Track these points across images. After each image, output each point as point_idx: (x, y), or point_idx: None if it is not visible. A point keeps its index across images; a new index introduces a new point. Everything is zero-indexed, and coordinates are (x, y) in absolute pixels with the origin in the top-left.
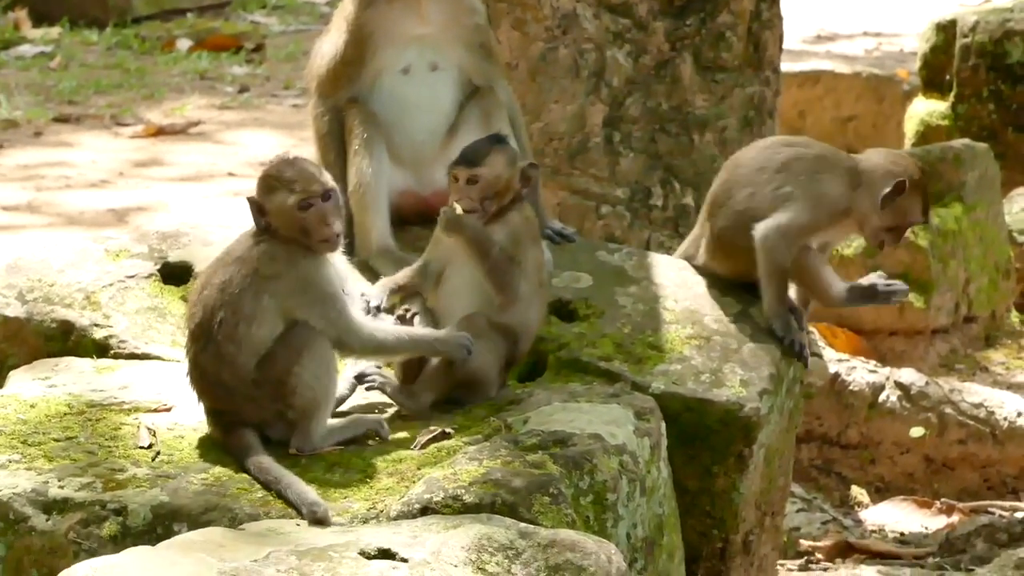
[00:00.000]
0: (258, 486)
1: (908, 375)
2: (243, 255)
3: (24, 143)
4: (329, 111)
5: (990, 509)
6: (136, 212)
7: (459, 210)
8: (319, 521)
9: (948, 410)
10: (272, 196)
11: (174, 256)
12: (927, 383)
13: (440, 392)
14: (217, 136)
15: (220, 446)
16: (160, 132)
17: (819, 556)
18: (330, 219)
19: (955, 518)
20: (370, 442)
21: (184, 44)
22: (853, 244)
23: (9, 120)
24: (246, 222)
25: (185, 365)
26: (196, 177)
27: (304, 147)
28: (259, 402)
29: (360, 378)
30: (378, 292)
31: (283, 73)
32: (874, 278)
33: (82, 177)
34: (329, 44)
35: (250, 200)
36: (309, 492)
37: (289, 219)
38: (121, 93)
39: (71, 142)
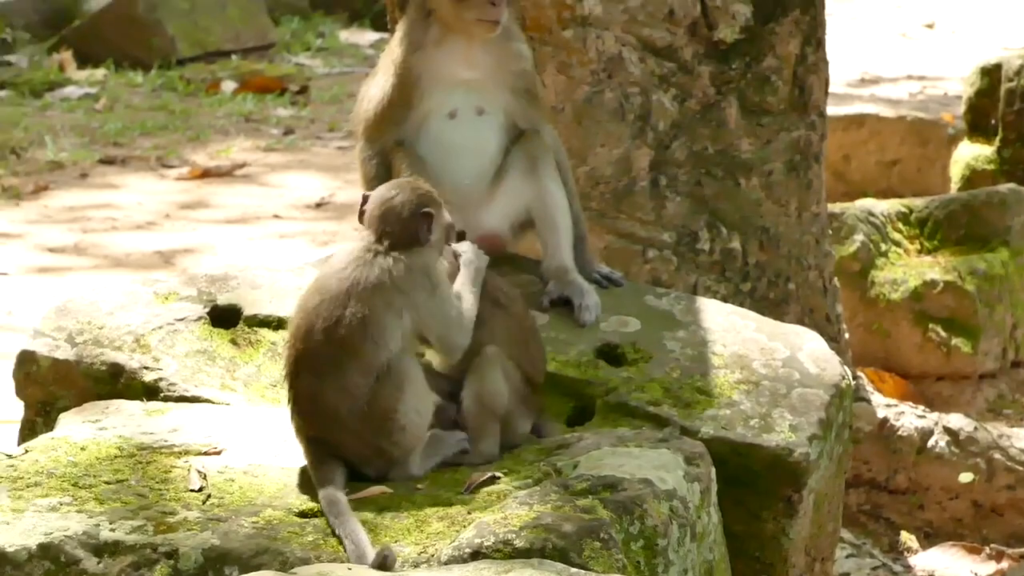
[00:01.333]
0: (309, 529)
1: (957, 420)
2: (364, 270)
3: (70, 184)
4: (376, 155)
5: None
6: (182, 254)
7: None
8: (385, 568)
9: (997, 455)
10: None
11: (223, 299)
12: (975, 428)
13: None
14: (262, 178)
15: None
16: (205, 174)
17: None
18: None
19: (1005, 564)
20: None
21: (229, 86)
22: (900, 289)
23: (55, 162)
24: (295, 263)
25: (287, 391)
26: (242, 219)
27: (349, 189)
28: (363, 437)
29: None
30: None
31: (327, 115)
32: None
33: (128, 219)
34: (376, 88)
35: None
36: (364, 544)
37: None
38: (166, 135)
39: (117, 184)
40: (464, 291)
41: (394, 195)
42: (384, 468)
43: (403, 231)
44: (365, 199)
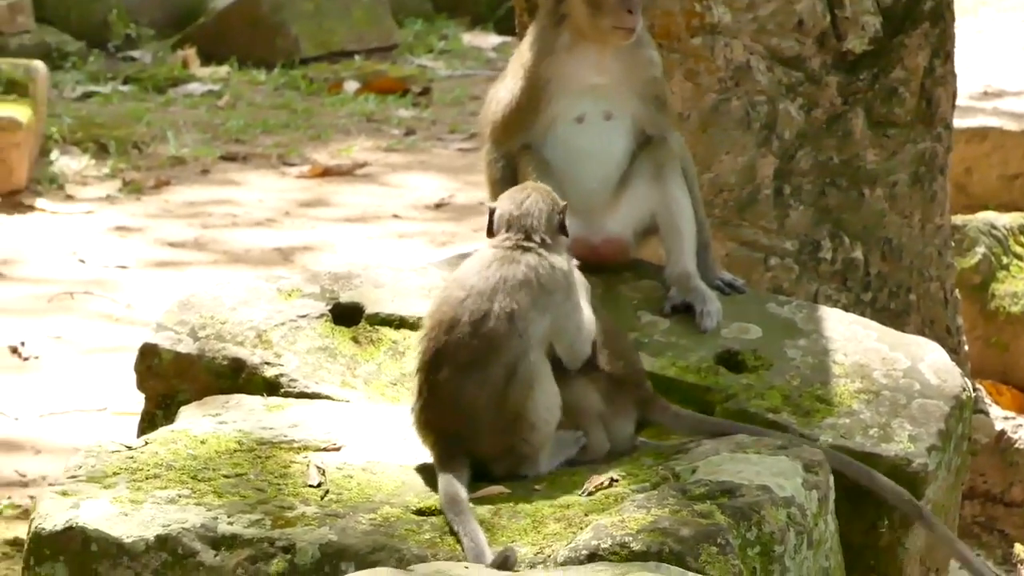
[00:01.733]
0: (427, 527)
1: None
2: (511, 267)
3: (191, 180)
4: (503, 157)
5: None
6: (301, 252)
7: None
8: (506, 567)
9: None
10: None
11: (345, 297)
12: None
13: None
14: (382, 178)
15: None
16: (326, 173)
17: None
18: (636, 4)
19: None
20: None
21: (351, 86)
22: (1020, 302)
23: (177, 157)
24: (416, 263)
25: (420, 383)
26: (361, 218)
27: (468, 191)
28: (497, 433)
29: None
30: None
31: (449, 117)
32: None
33: (248, 215)
34: (505, 91)
35: None
36: (482, 543)
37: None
38: (288, 133)
39: (238, 180)
40: (584, 303)
41: (528, 194)
42: (512, 467)
43: (547, 225)
44: (492, 211)
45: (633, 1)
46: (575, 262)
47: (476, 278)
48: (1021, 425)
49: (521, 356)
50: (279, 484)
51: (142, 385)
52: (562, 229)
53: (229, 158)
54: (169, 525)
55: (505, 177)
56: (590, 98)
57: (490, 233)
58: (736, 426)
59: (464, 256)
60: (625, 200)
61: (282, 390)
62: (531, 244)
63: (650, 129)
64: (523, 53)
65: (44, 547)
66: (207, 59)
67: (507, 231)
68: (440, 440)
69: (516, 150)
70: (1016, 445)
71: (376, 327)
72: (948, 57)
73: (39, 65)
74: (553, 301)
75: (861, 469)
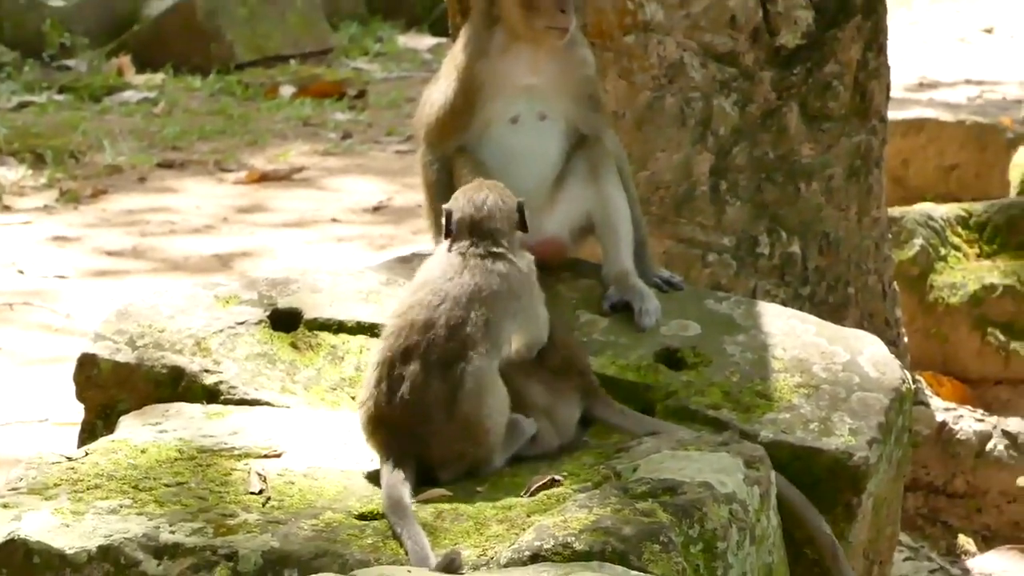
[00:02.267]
0: (369, 532)
1: (1016, 424)
2: (484, 277)
3: (128, 188)
4: (438, 160)
5: None
6: (241, 258)
7: None
8: (451, 570)
9: None
10: None
11: (283, 303)
12: None
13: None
14: (320, 182)
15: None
16: (263, 178)
17: None
18: (569, 4)
19: None
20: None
21: (287, 90)
22: (959, 293)
23: (113, 166)
24: (354, 267)
25: (380, 381)
26: (300, 223)
27: (406, 193)
28: (451, 440)
29: None
30: None
31: (385, 120)
32: None
33: (186, 223)
34: (438, 93)
35: None
36: (425, 547)
37: None
38: (225, 139)
39: (175, 188)
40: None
41: (485, 195)
42: (461, 471)
43: (509, 224)
44: (449, 213)
45: (566, 1)
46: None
47: (450, 285)
48: (962, 416)
49: (488, 362)
50: (220, 492)
51: (81, 395)
52: (522, 225)
53: (166, 165)
54: (111, 535)
55: (441, 179)
56: (524, 99)
57: (448, 235)
58: (678, 429)
59: (405, 260)
60: (561, 200)
61: (222, 397)
62: (500, 250)
63: (584, 129)
64: (456, 55)
65: None
66: (142, 67)
67: (471, 235)
68: (390, 439)
69: (451, 152)
70: (957, 436)
71: (315, 332)
72: (881, 50)
73: None
74: (522, 304)
75: (795, 495)
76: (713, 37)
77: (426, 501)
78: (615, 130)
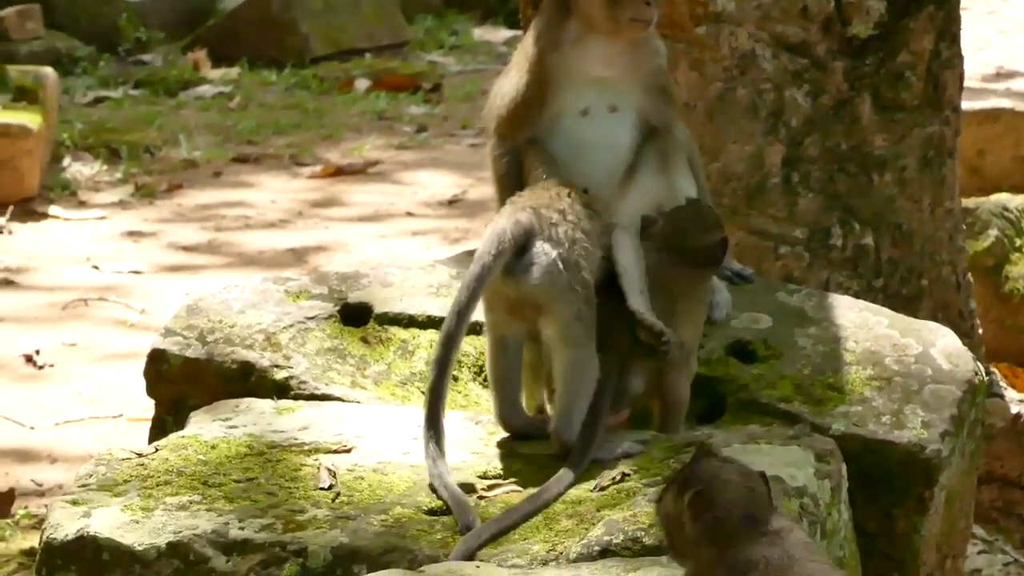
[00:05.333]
0: (438, 527)
1: None
2: None
3: (204, 183)
4: (508, 152)
5: None
6: (315, 252)
7: None
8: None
9: None
10: None
11: (354, 297)
12: None
13: None
14: (395, 176)
15: None
16: (338, 172)
17: None
18: None
19: None
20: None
21: (362, 84)
22: None
23: (189, 160)
24: (427, 260)
25: None
26: (374, 217)
27: (481, 187)
28: None
29: None
30: None
31: (460, 113)
32: None
33: (261, 217)
34: (509, 85)
35: None
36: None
37: None
38: (300, 133)
39: (250, 182)
40: None
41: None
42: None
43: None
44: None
45: None
46: None
47: None
48: None
49: None
50: (290, 488)
51: (152, 391)
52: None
53: (241, 160)
54: (180, 532)
55: (511, 172)
56: (595, 91)
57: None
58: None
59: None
60: (631, 192)
61: (292, 392)
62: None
63: (655, 120)
64: (527, 47)
65: (56, 557)
66: (217, 60)
67: None
68: None
69: (521, 144)
70: None
71: (385, 327)
72: (954, 39)
73: (48, 71)
74: None
75: None
76: (785, 27)
77: (495, 495)
78: (686, 122)
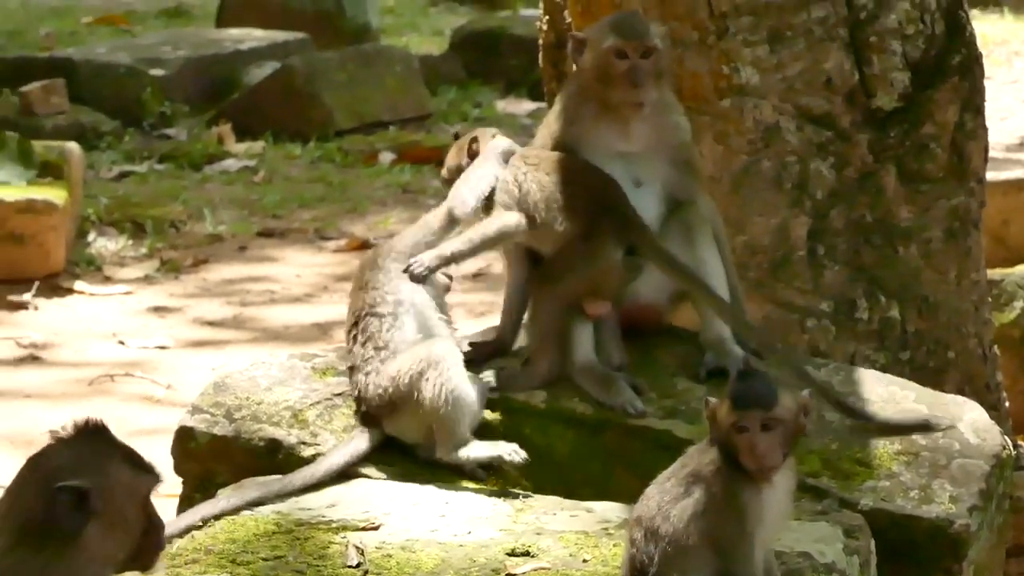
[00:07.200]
0: None
1: None
2: None
3: (229, 257)
4: None
5: None
6: (341, 326)
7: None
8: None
9: None
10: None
11: None
12: None
13: None
14: None
15: None
16: (363, 246)
17: None
18: (642, 79)
19: None
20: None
21: (386, 157)
22: None
23: (214, 235)
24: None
25: None
26: None
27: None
28: None
29: None
30: None
31: None
32: None
33: (286, 291)
34: None
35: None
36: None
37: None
38: (324, 207)
39: (275, 256)
40: None
41: None
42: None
43: None
44: None
45: (639, 75)
46: None
47: None
48: None
49: None
50: (318, 566)
51: (179, 468)
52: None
53: (266, 234)
54: None
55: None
56: (619, 165)
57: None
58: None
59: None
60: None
61: None
62: None
63: (680, 194)
64: (550, 123)
65: None
66: (242, 134)
67: None
68: None
69: None
70: None
71: None
72: (979, 111)
73: (73, 147)
74: None
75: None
76: (809, 100)
77: (523, 572)
78: (711, 194)
